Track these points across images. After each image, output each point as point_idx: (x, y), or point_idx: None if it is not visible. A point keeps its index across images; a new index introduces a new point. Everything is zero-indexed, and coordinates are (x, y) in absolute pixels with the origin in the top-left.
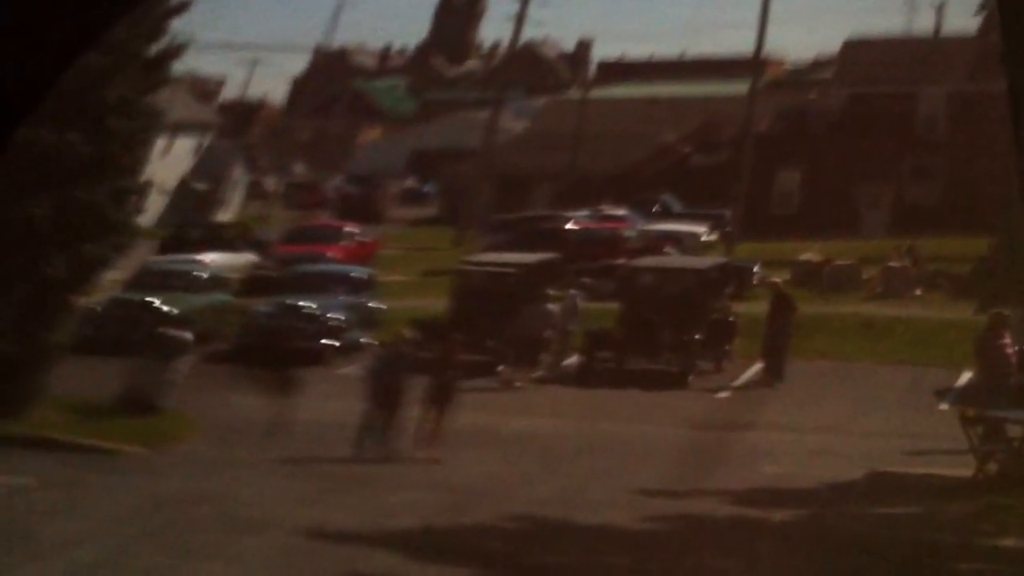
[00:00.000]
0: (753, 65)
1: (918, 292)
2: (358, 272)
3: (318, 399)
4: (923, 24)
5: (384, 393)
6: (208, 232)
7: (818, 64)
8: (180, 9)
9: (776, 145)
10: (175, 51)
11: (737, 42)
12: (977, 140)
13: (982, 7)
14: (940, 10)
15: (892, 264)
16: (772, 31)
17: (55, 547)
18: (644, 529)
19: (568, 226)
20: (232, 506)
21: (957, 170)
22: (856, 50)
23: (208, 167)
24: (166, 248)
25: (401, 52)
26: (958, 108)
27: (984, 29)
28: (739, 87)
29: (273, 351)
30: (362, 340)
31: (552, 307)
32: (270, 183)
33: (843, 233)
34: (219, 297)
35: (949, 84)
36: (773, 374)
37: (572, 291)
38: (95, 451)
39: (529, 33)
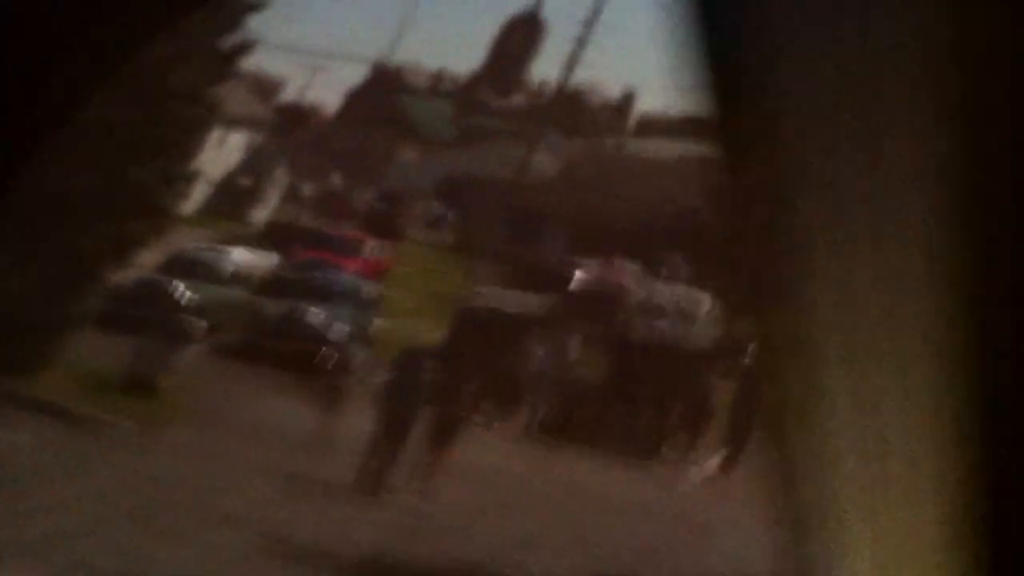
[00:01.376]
0: None
1: None
2: (368, 288)
3: (312, 407)
4: None
5: (394, 420)
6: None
7: None
8: (257, 7)
9: None
10: (246, 47)
11: None
12: None
13: None
14: None
15: None
16: None
17: (38, 510)
18: None
19: (578, 273)
20: (211, 497)
21: None
22: None
23: (254, 164)
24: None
25: (454, 78)
26: None
27: None
28: None
29: (274, 351)
30: (360, 355)
31: (542, 351)
32: (306, 188)
33: None
34: (237, 292)
35: None
36: (729, 463)
37: (567, 338)
38: (93, 421)
39: (579, 74)
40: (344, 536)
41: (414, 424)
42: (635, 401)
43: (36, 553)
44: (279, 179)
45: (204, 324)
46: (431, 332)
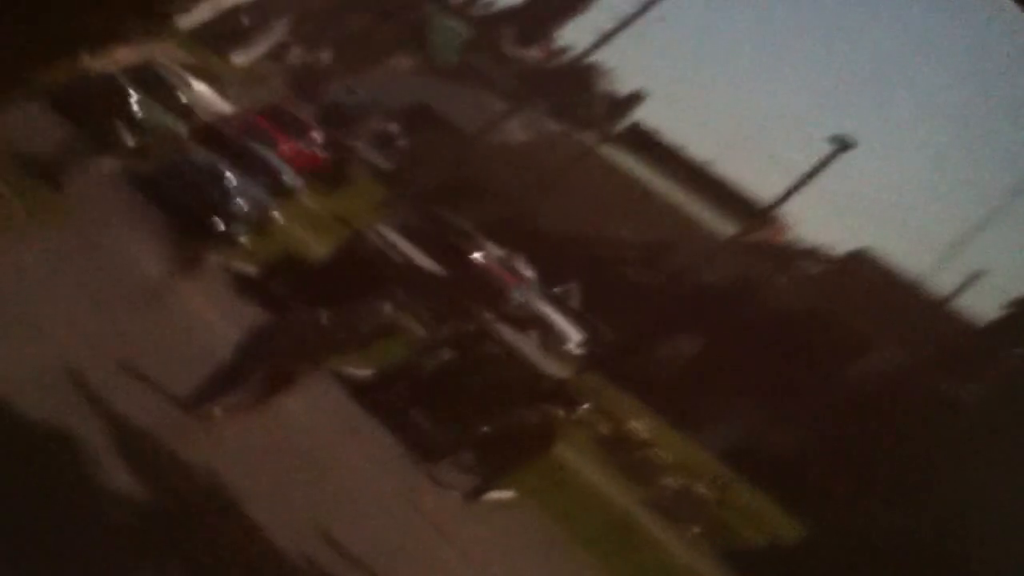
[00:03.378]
0: (752, 216)
1: (696, 530)
2: (288, 176)
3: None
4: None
5: (249, 366)
6: None
7: (814, 254)
8: None
9: (706, 303)
10: None
11: (769, 184)
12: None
13: None
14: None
15: (697, 487)
16: (802, 201)
17: None
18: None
19: (475, 255)
20: (34, 304)
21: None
22: (858, 265)
23: (262, 7)
24: None
25: (488, 5)
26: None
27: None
28: (727, 226)
29: (174, 196)
30: (241, 237)
31: (392, 311)
32: (293, 54)
33: (692, 425)
34: (178, 125)
35: (901, 351)
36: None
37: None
38: None
39: (601, 55)
40: (126, 413)
41: (265, 352)
42: (453, 403)
43: None
44: (275, 33)
45: (132, 142)
46: (315, 248)
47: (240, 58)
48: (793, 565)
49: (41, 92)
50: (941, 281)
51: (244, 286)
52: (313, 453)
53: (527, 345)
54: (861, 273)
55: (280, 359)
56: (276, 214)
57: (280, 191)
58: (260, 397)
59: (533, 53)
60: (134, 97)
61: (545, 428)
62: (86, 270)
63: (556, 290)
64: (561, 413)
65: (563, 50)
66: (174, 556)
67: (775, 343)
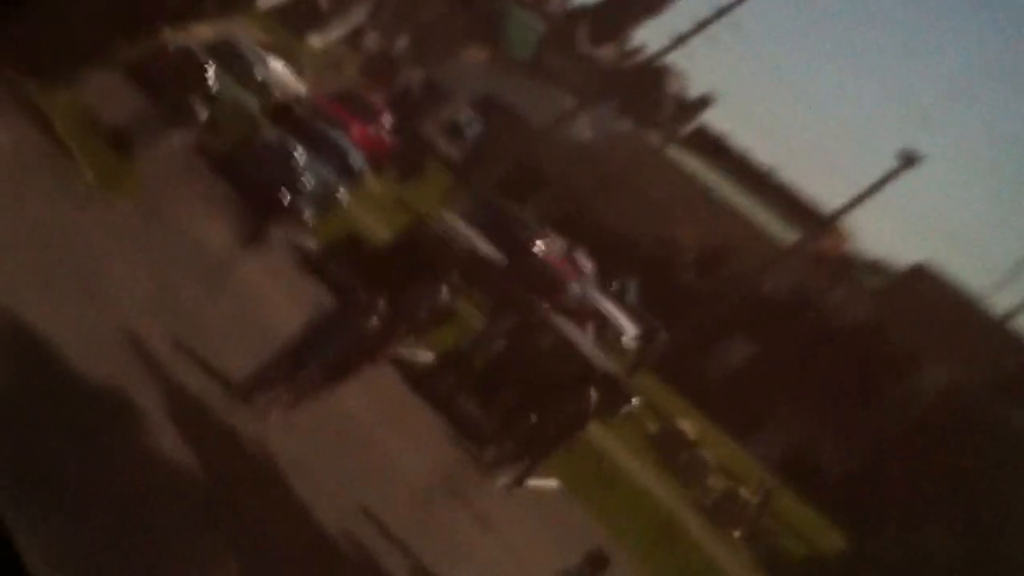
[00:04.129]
0: (813, 225)
1: (736, 534)
2: (356, 159)
3: (235, 238)
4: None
5: (307, 353)
6: None
7: (877, 266)
8: None
9: (761, 310)
10: None
11: (832, 194)
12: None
13: None
14: None
15: (741, 491)
16: (866, 213)
17: None
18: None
19: (536, 245)
20: (99, 272)
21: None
22: (917, 280)
23: None
24: None
25: (564, 1)
26: (954, 404)
27: None
28: (788, 233)
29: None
30: (307, 215)
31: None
32: (370, 39)
33: (740, 430)
34: (251, 101)
35: (955, 370)
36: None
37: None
38: (65, 151)
39: (674, 57)
40: (181, 382)
41: (322, 346)
42: (503, 391)
43: None
44: (353, 17)
45: (205, 115)
46: (378, 232)
47: (317, 41)
48: None
49: (121, 63)
50: (1000, 301)
51: (306, 264)
52: (360, 432)
53: (583, 338)
54: (920, 289)
55: (338, 353)
56: (342, 195)
57: (347, 173)
58: (314, 389)
59: (606, 51)
60: (210, 71)
61: (582, 411)
62: (151, 239)
63: (614, 285)
64: (595, 394)
65: (636, 50)
66: (214, 524)
67: (829, 355)
